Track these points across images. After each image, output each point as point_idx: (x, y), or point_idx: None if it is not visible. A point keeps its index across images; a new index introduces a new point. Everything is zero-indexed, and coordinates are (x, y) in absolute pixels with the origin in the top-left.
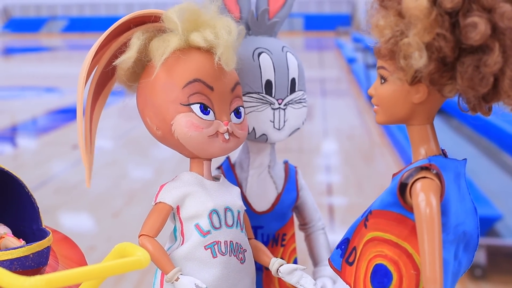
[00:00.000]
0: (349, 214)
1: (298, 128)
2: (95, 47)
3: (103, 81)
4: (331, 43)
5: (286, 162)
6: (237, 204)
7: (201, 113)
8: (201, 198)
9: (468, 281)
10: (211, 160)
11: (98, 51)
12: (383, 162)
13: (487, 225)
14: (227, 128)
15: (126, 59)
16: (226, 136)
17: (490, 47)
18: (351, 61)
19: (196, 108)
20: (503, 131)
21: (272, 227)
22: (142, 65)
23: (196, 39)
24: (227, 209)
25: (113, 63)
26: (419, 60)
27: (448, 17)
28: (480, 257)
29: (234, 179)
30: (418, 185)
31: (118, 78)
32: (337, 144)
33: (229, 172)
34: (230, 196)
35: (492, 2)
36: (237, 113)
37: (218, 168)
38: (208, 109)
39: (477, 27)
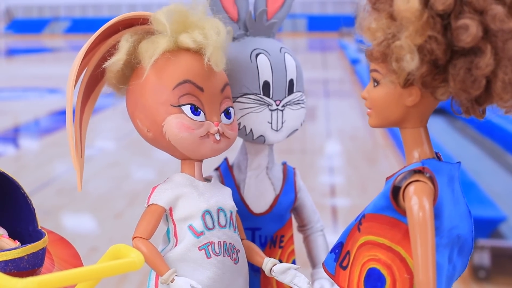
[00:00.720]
0: (352, 215)
1: (296, 130)
2: (83, 50)
3: (93, 84)
4: (334, 44)
5: (284, 164)
6: (229, 204)
7: (192, 114)
8: (194, 199)
9: (472, 283)
10: (202, 161)
11: (86, 54)
12: (386, 163)
13: (491, 226)
14: (218, 129)
15: (115, 62)
16: (217, 137)
17: (482, 49)
18: (354, 62)
19: (186, 109)
20: (508, 132)
21: (270, 228)
22: (131, 68)
23: (185, 40)
24: (219, 209)
25: (103, 66)
26: (411, 62)
27: (439, 19)
28: (484, 258)
29: (232, 181)
30: (411, 188)
31: (108, 80)
32: (340, 145)
33: (227, 173)
34: (222, 197)
35: (483, 4)
36: (227, 114)
37: (216, 169)
38: (199, 110)
39: (468, 29)
